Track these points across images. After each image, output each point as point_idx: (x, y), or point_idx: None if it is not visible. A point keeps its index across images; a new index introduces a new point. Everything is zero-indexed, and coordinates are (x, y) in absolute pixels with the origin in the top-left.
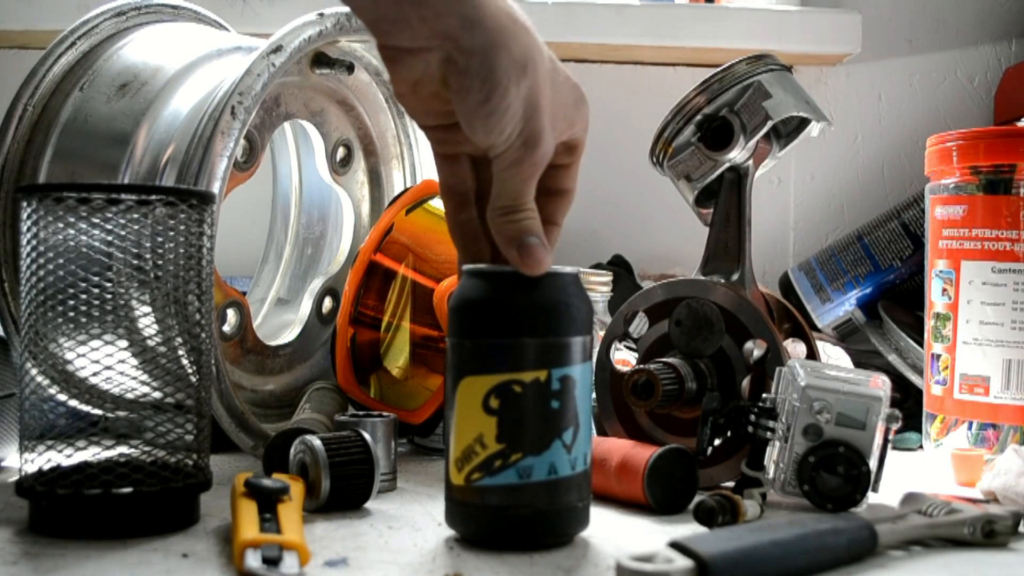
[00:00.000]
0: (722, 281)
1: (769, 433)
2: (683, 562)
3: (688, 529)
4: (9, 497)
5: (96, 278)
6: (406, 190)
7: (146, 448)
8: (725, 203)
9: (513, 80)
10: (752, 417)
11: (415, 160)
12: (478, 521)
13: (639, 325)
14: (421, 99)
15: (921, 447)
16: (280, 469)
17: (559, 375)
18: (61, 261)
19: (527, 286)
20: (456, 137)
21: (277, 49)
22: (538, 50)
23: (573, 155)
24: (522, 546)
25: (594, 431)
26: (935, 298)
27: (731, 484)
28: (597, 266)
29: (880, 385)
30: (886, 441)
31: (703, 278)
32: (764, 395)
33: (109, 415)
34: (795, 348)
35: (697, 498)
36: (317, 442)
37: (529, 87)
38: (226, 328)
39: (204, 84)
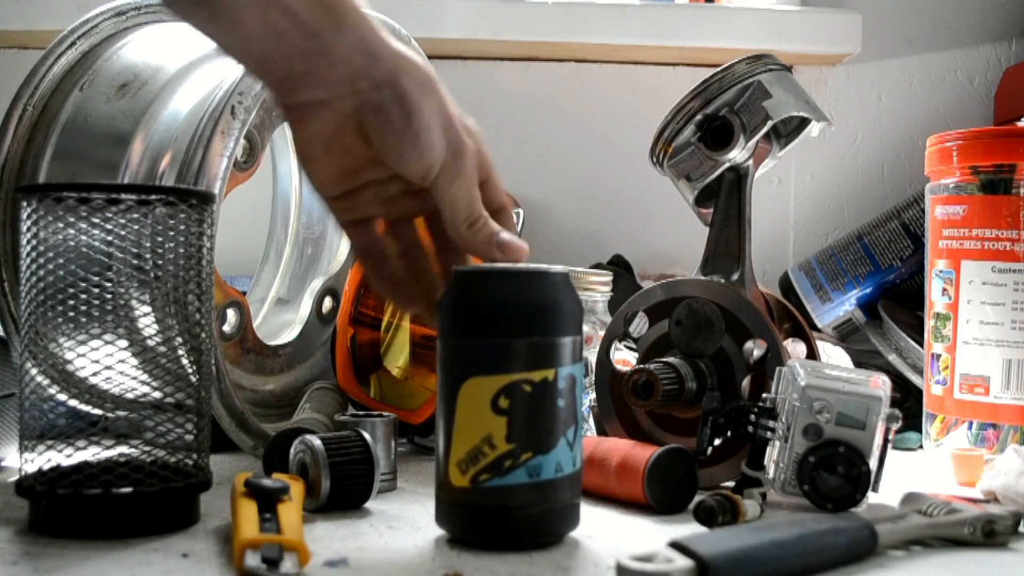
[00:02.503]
0: (722, 281)
1: (769, 433)
2: (683, 562)
3: (688, 529)
4: (9, 497)
5: (96, 278)
6: None
7: (146, 448)
8: (725, 203)
9: (424, 99)
10: (752, 417)
11: None
12: (486, 522)
13: (639, 325)
14: (334, 158)
15: (921, 447)
16: (280, 469)
17: (564, 373)
18: (61, 261)
19: (531, 285)
20: (364, 199)
21: None
22: (428, 66)
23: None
24: (530, 545)
25: (593, 430)
26: (935, 298)
27: (731, 484)
28: (597, 266)
29: (880, 385)
30: (886, 441)
31: (703, 278)
32: (764, 395)
33: (109, 415)
34: (795, 348)
35: (697, 498)
36: (317, 442)
37: (438, 101)
38: (226, 328)
39: (204, 84)
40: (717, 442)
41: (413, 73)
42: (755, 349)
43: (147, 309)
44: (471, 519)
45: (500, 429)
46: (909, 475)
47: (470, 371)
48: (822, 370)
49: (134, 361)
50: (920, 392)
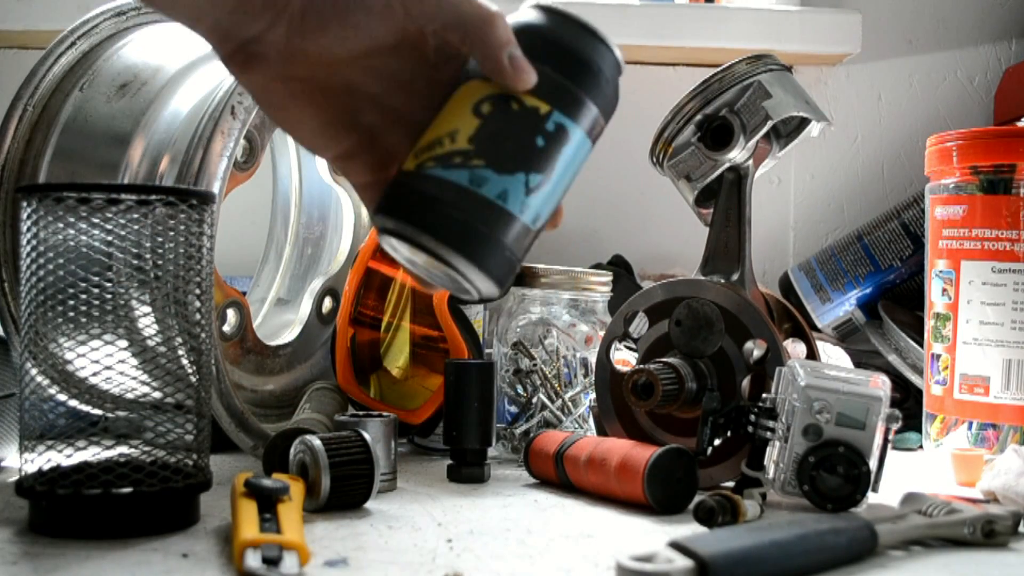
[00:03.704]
0: (722, 281)
1: (769, 433)
2: (683, 562)
3: (688, 529)
4: (9, 497)
5: (96, 278)
6: None
7: (146, 448)
8: (725, 203)
9: None
10: (752, 417)
11: None
12: (408, 206)
13: (639, 325)
14: (302, 101)
15: (921, 447)
16: (280, 469)
17: (558, 120)
18: (61, 261)
19: (585, 38)
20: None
21: None
22: None
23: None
24: (428, 238)
25: (593, 431)
26: (935, 298)
27: (731, 484)
28: (597, 266)
29: (880, 385)
30: (886, 441)
31: (703, 278)
32: (764, 395)
33: (109, 415)
34: (795, 348)
35: (697, 498)
36: (317, 442)
37: None
38: (226, 328)
39: (204, 84)
40: (717, 442)
41: None
42: (755, 349)
43: (147, 309)
44: (397, 200)
45: (468, 129)
46: (909, 475)
47: (474, 74)
48: (822, 370)
49: (134, 361)
50: (920, 392)
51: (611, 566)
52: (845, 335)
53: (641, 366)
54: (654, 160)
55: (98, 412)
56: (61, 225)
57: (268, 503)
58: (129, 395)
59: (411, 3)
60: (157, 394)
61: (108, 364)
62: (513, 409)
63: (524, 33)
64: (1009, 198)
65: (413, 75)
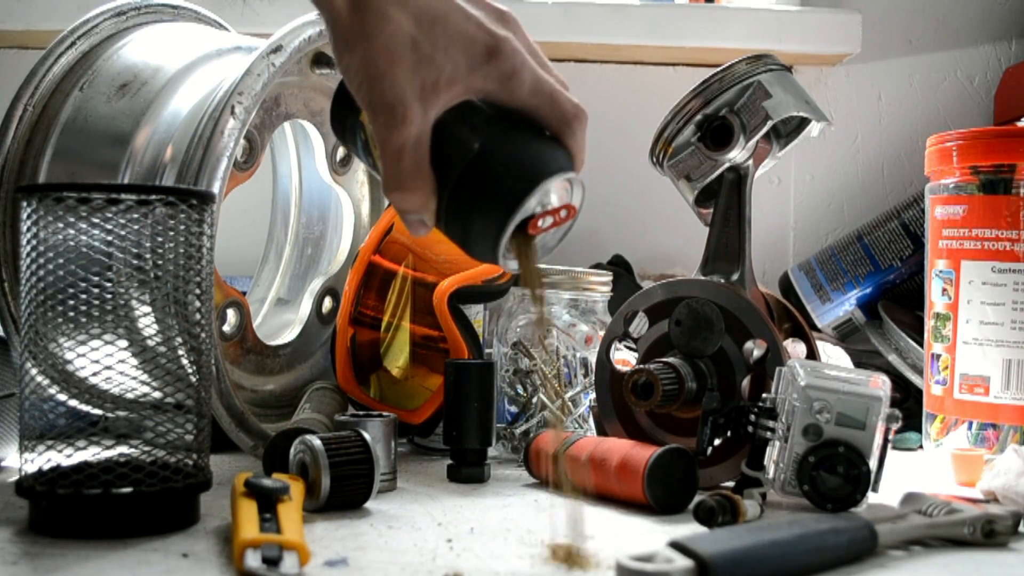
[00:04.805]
0: (722, 281)
1: (769, 433)
2: (683, 562)
3: (688, 529)
4: (9, 497)
5: (96, 278)
6: None
7: (146, 448)
8: (725, 203)
9: (344, 48)
10: (752, 417)
11: None
12: (341, 113)
13: (639, 325)
14: None
15: (921, 447)
16: (280, 469)
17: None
18: (61, 261)
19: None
20: None
21: (277, 49)
22: (395, 7)
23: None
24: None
25: (593, 431)
26: (935, 298)
27: (731, 484)
28: (597, 266)
29: (880, 385)
30: (886, 441)
31: (703, 278)
32: (764, 395)
33: (109, 415)
34: (795, 348)
35: (697, 498)
36: (317, 442)
37: (363, 54)
38: (226, 328)
39: (204, 84)
40: (717, 442)
41: (342, 21)
42: (755, 349)
43: (147, 309)
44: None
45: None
46: (909, 475)
47: None
48: (822, 370)
49: (134, 361)
50: (920, 392)
51: (611, 566)
52: (845, 335)
53: (641, 366)
54: (654, 160)
55: (98, 412)
56: (61, 225)
57: (268, 503)
58: (129, 395)
59: (373, 99)
60: (157, 394)
61: (108, 364)
62: (513, 409)
63: (476, 189)
64: (1009, 198)
65: None
